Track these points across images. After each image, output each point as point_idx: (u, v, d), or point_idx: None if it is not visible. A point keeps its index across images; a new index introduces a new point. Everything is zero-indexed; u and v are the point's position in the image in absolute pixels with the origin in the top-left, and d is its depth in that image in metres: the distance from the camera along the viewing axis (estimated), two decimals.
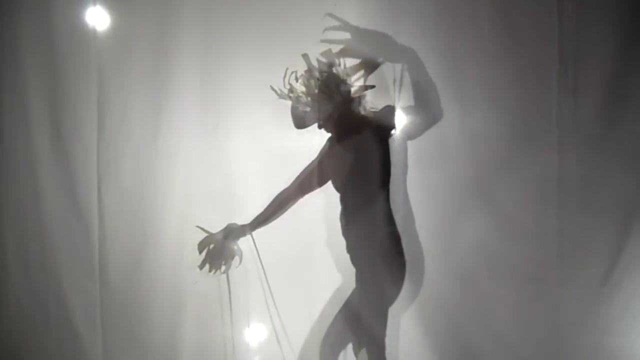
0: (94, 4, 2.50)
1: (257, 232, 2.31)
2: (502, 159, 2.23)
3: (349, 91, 2.12)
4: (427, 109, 2.14)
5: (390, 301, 2.12)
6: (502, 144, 2.22)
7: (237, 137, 2.43)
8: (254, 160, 2.42)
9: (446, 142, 2.23)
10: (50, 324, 2.65)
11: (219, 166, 2.45)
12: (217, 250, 2.25)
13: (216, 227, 2.38)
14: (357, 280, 2.13)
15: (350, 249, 2.15)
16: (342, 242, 2.18)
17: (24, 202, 2.65)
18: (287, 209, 2.25)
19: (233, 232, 2.27)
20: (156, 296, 2.54)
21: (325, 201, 2.26)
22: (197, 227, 2.28)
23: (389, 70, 2.15)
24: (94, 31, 2.51)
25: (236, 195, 2.43)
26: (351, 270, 2.16)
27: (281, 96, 2.13)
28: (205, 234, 2.28)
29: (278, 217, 2.26)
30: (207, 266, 2.27)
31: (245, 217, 2.35)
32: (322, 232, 2.30)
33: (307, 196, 2.26)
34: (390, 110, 2.15)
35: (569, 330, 2.20)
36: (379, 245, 2.10)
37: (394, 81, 2.14)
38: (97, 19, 2.51)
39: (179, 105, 2.48)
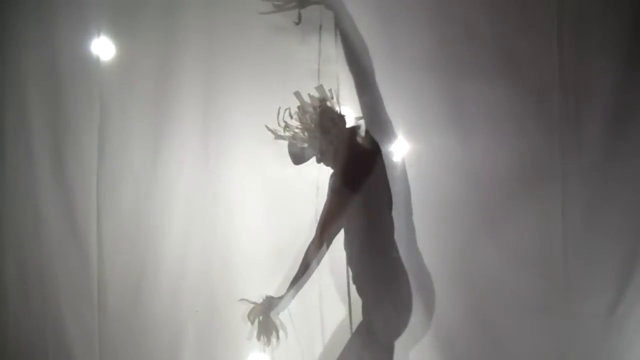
0: (98, 36, 2.49)
1: (261, 266, 2.26)
2: (505, 187, 2.17)
3: (345, 123, 2.08)
4: (356, 64, 2.01)
5: (397, 333, 2.04)
6: (505, 172, 2.17)
7: (237, 166, 2.39)
8: (254, 188, 2.37)
9: (448, 171, 2.19)
10: (48, 353, 2.59)
11: (219, 195, 2.41)
12: (266, 322, 2.13)
13: (216, 257, 2.38)
14: (363, 312, 2.05)
15: (356, 279, 2.08)
16: (344, 271, 2.11)
17: (24, 228, 2.62)
18: (318, 262, 2.13)
19: (273, 305, 2.13)
20: (155, 324, 2.48)
21: None
22: (242, 299, 2.15)
23: (316, 15, 2.06)
24: (98, 61, 2.50)
25: (236, 224, 2.39)
26: (356, 301, 2.09)
27: (277, 137, 2.08)
28: (250, 304, 2.15)
29: (311, 275, 2.13)
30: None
31: (244, 247, 2.33)
32: (325, 262, 2.19)
33: (310, 224, 2.16)
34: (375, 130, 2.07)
35: None
36: (384, 274, 2.03)
37: (320, 27, 2.06)
38: (101, 49, 2.50)
39: (179, 134, 2.45)
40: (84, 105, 2.53)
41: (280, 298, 2.11)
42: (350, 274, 2.09)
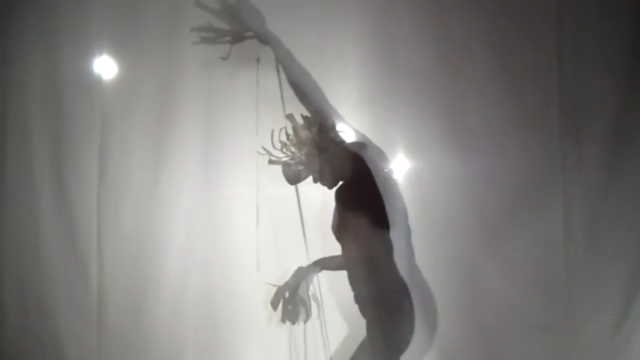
0: (100, 55, 2.47)
1: (261, 283, 2.16)
2: (506, 204, 2.14)
3: (340, 140, 2.02)
4: (304, 97, 1.96)
5: (399, 351, 1.98)
6: (506, 190, 2.14)
7: (237, 183, 2.34)
8: (254, 206, 2.26)
9: (448, 189, 2.15)
10: None
11: (219, 212, 2.37)
12: (292, 300, 2.03)
13: (215, 274, 2.34)
14: (368, 330, 2.00)
15: (357, 299, 2.03)
16: (345, 290, 2.03)
17: (24, 245, 2.58)
18: None
19: (300, 276, 2.05)
20: (156, 343, 2.43)
21: (329, 248, 2.11)
22: (268, 283, 2.09)
23: (253, 48, 2.02)
24: (99, 80, 2.48)
25: (236, 242, 2.34)
26: (357, 319, 2.02)
27: (271, 162, 2.01)
28: (274, 288, 2.07)
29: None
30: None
31: (245, 264, 2.26)
32: (325, 280, 2.16)
33: (310, 241, 2.13)
34: (361, 146, 2.01)
35: None
36: (386, 294, 1.97)
37: (257, 60, 2.03)
38: (103, 68, 2.48)
39: (180, 152, 2.42)
40: (86, 123, 2.50)
41: (312, 265, 2.06)
42: (353, 294, 2.03)
